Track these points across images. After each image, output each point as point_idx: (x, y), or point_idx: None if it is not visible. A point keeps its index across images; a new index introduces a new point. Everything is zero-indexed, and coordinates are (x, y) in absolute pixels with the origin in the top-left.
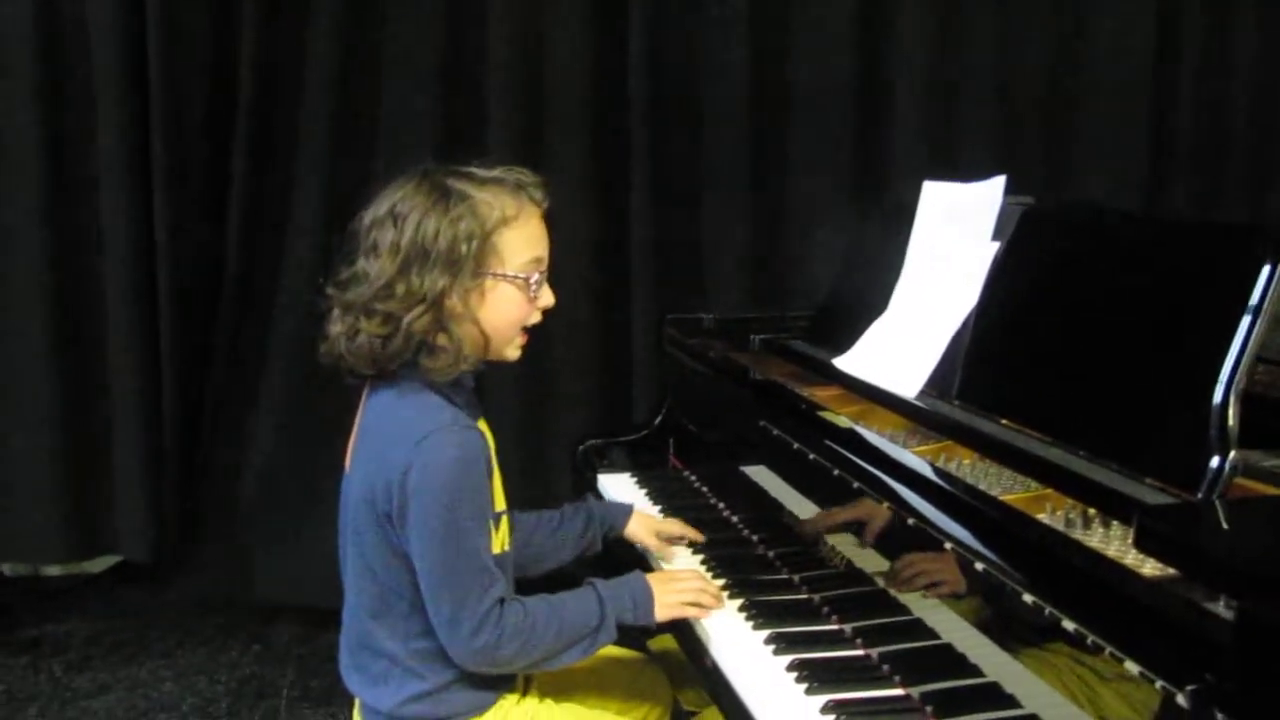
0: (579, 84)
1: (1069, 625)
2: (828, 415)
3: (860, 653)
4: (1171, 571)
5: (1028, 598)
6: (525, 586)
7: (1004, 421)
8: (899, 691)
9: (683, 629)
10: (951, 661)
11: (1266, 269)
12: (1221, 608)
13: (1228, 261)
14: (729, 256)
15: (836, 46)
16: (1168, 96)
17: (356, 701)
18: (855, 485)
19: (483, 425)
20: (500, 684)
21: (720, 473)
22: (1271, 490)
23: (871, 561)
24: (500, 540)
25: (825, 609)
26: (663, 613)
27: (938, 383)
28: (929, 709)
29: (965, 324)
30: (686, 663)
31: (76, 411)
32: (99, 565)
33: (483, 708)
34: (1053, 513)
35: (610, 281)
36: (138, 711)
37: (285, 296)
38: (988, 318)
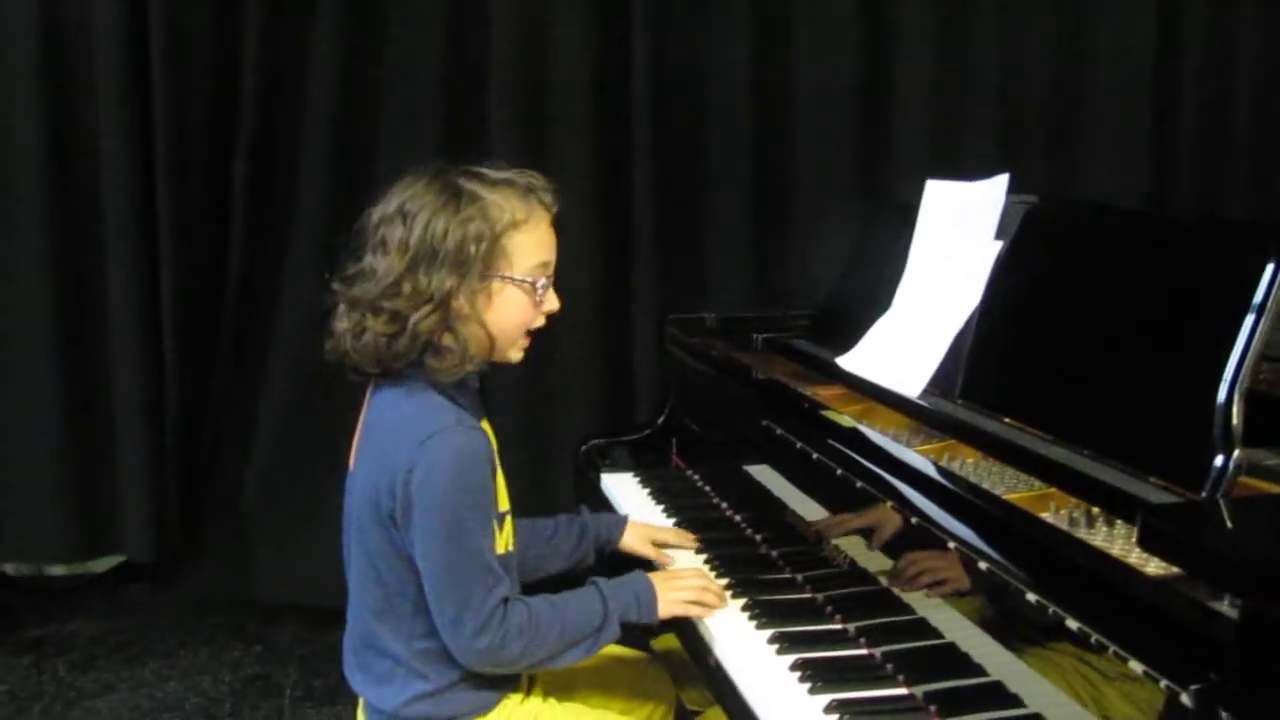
0: (581, 84)
1: (1073, 624)
2: (830, 414)
3: (864, 652)
4: (1175, 570)
5: (1031, 597)
6: (525, 588)
7: (1007, 420)
8: (902, 691)
9: (686, 629)
10: (955, 661)
11: (1270, 267)
12: (1226, 607)
13: (1231, 260)
14: (731, 256)
15: (838, 46)
16: (1170, 95)
17: (360, 701)
18: (858, 485)
19: (485, 426)
20: (504, 684)
21: (723, 472)
22: (1276, 489)
23: (875, 561)
24: (504, 540)
25: (829, 608)
26: (666, 610)
27: (941, 382)
28: (932, 708)
29: (968, 323)
30: (690, 662)
31: (79, 412)
32: (102, 565)
33: (486, 708)
34: (1056, 512)
35: (612, 281)
36: (141, 711)
37: (288, 296)
38: (991, 317)
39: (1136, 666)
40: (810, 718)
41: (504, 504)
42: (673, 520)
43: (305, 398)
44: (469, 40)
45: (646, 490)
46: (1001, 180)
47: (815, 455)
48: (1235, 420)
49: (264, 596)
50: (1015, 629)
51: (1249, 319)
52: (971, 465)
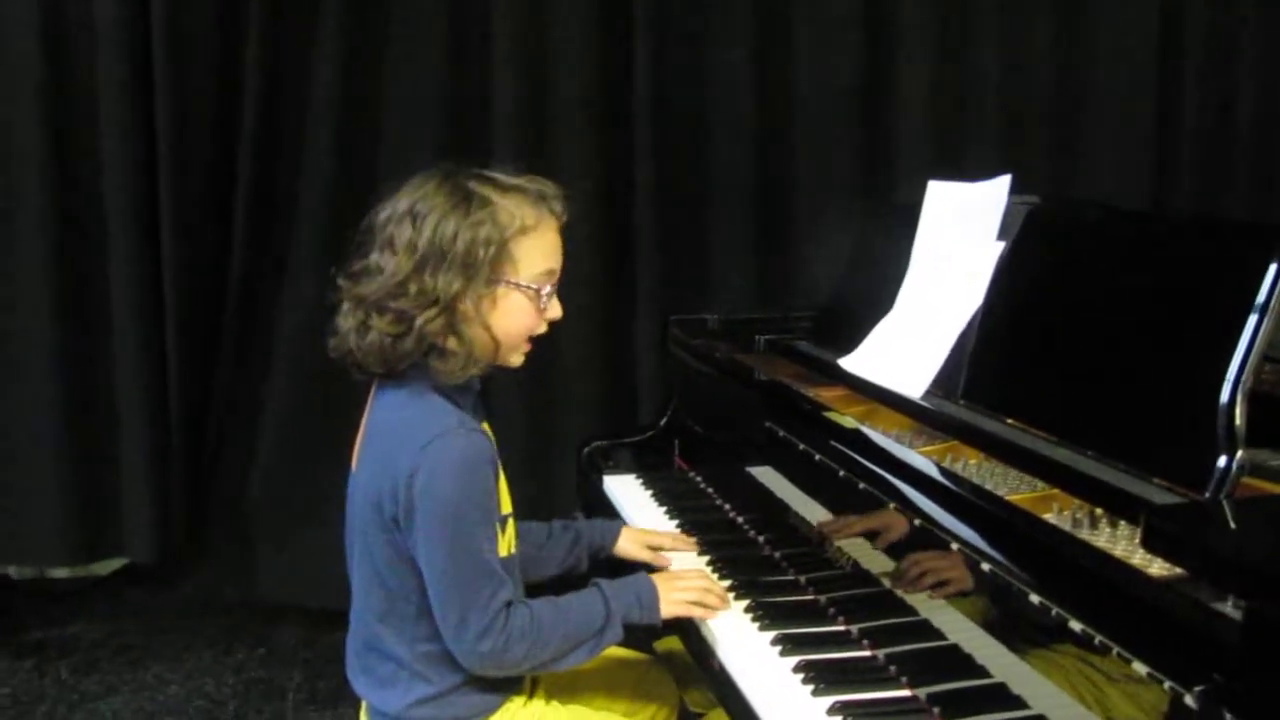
0: (582, 84)
1: (1076, 626)
2: (833, 416)
3: (867, 653)
4: (1179, 571)
5: (1035, 598)
6: (528, 588)
7: (1010, 421)
8: (906, 692)
9: (688, 630)
10: (958, 662)
11: (1274, 267)
12: (1229, 607)
13: (1234, 260)
14: (733, 257)
15: (839, 47)
16: (1171, 96)
17: (363, 704)
18: (861, 486)
19: (486, 428)
20: (507, 686)
21: (726, 474)
22: (1279, 489)
23: (878, 562)
24: (507, 543)
25: (832, 610)
26: (668, 610)
27: (943, 383)
28: (936, 710)
29: (971, 324)
30: (692, 664)
31: (81, 413)
32: (105, 568)
33: (490, 710)
34: (1059, 513)
35: (614, 282)
36: (144, 714)
37: (290, 296)
38: (993, 317)
39: (1140, 668)
40: (813, 719)
41: (506, 507)
42: (675, 522)
43: (308, 398)
44: (470, 40)
45: (649, 492)
46: (1003, 181)
47: (818, 457)
48: (1238, 421)
49: (267, 598)
50: (1019, 630)
51: (1252, 319)
52: (974, 466)
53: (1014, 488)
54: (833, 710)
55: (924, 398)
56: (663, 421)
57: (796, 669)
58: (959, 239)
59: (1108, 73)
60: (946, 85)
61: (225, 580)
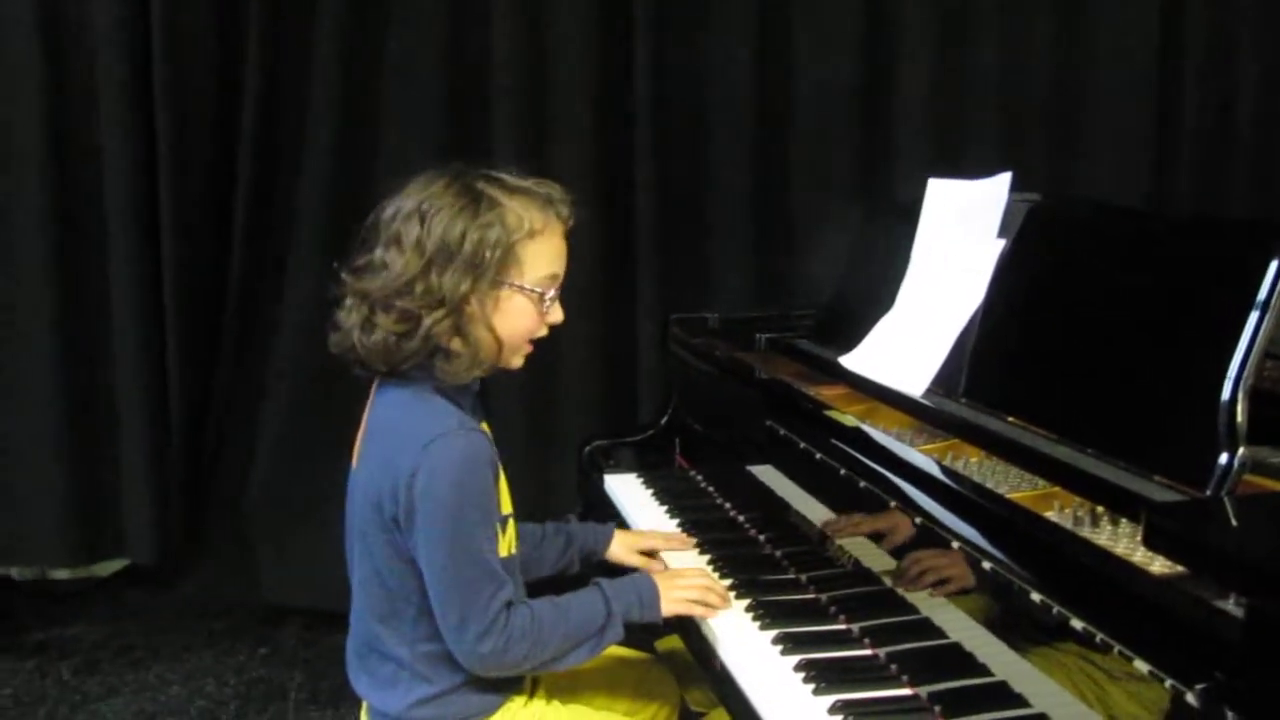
0: (583, 84)
1: (1077, 624)
2: (834, 414)
3: (868, 652)
4: (1180, 569)
5: (1036, 596)
6: (531, 586)
7: (1011, 419)
8: (907, 691)
9: (690, 629)
10: (960, 660)
11: (1275, 264)
12: (1231, 605)
13: (1235, 257)
14: (733, 256)
15: (839, 46)
16: (1171, 95)
17: (364, 704)
18: (862, 485)
19: (485, 428)
20: (508, 686)
21: (726, 472)
22: None
23: (879, 560)
24: (507, 543)
25: (833, 608)
26: (669, 609)
27: (944, 381)
28: (937, 708)
29: (971, 322)
30: (693, 663)
31: (82, 414)
32: (106, 569)
33: (490, 710)
34: (1060, 511)
35: (615, 281)
36: (145, 715)
37: (290, 297)
38: (994, 315)
39: (1142, 666)
40: (814, 719)
41: (506, 507)
42: (676, 521)
43: (308, 398)
44: (470, 40)
45: (650, 491)
46: (1004, 179)
47: (819, 455)
48: (1239, 418)
49: (268, 598)
50: (1020, 628)
51: (1252, 317)
52: (975, 464)
53: (1015, 486)
54: (834, 709)
55: (925, 396)
56: (663, 420)
57: (797, 668)
58: (959, 237)
59: (1108, 71)
60: (946, 84)
61: (226, 581)
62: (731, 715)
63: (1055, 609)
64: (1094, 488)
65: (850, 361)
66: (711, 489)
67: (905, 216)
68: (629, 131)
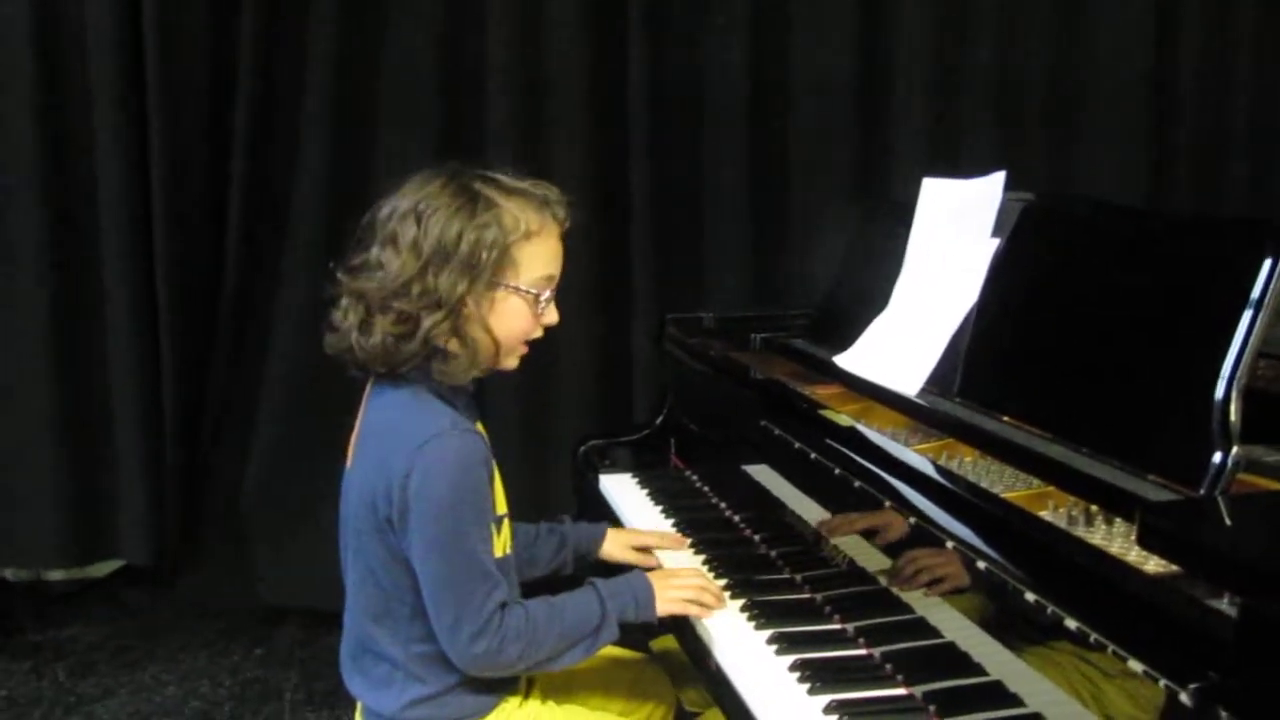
0: (577, 83)
1: (1071, 624)
2: (829, 414)
3: (863, 652)
4: (1174, 568)
5: (1030, 596)
6: (525, 586)
7: (1005, 419)
8: (902, 691)
9: (684, 629)
10: (954, 660)
11: (1268, 263)
12: (1225, 604)
13: (1229, 256)
14: (729, 255)
15: (836, 45)
16: (1168, 94)
17: (358, 705)
18: (857, 484)
19: (480, 428)
20: (502, 687)
21: (722, 472)
22: (1275, 485)
23: (874, 560)
24: (502, 543)
25: (827, 608)
26: (664, 609)
27: (939, 380)
28: (932, 708)
29: (966, 321)
30: (689, 663)
31: (77, 415)
32: (101, 570)
33: (485, 710)
34: (1055, 510)
35: (610, 281)
36: (141, 716)
37: (285, 297)
38: (988, 314)
39: (1136, 666)
40: (809, 718)
41: (501, 507)
42: (671, 521)
43: (303, 398)
44: (465, 41)
45: (645, 491)
46: (998, 177)
47: (814, 455)
48: (1233, 417)
49: (263, 599)
50: (1015, 628)
51: (1246, 315)
52: (970, 464)
53: (1010, 485)
54: (829, 709)
55: (919, 395)
56: (658, 420)
57: (792, 668)
58: (954, 236)
59: (1104, 70)
60: (943, 84)
61: (221, 581)
62: (726, 716)
63: (1050, 609)
64: (1088, 487)
65: (845, 361)
66: (707, 489)
67: (900, 216)
68: (625, 131)
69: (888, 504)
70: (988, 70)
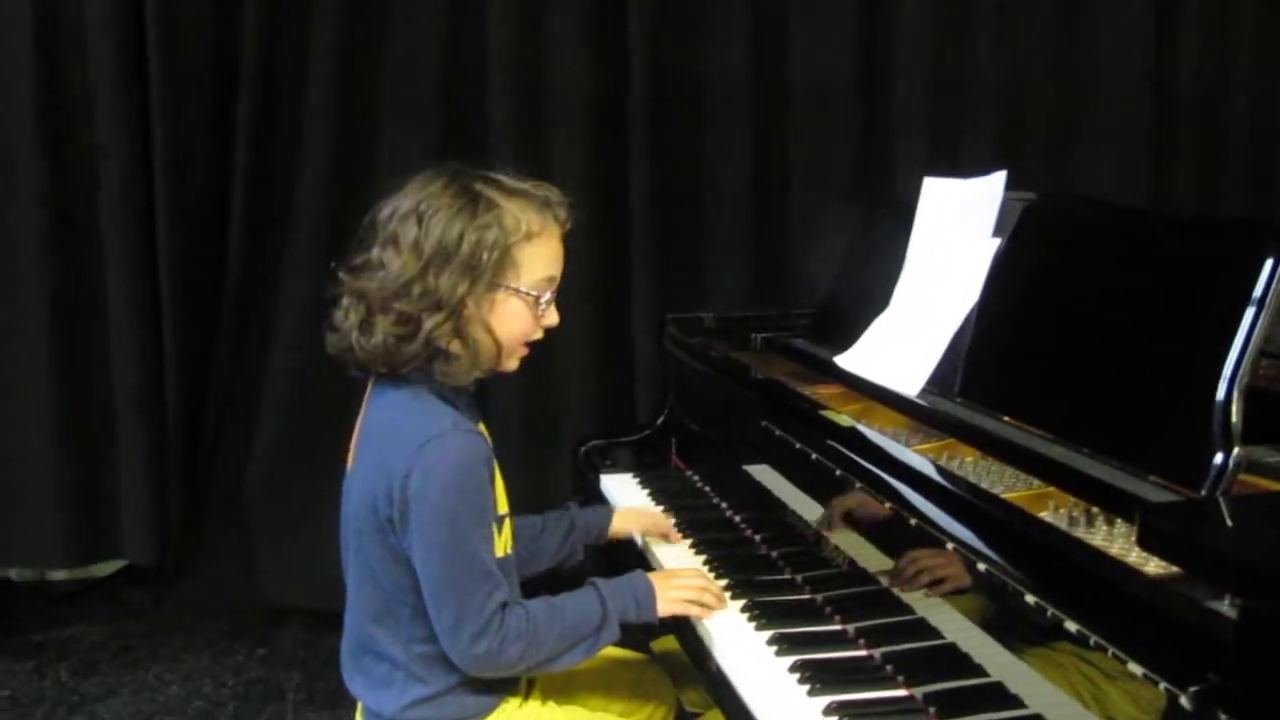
0: (579, 83)
1: (1071, 626)
2: (829, 414)
3: (863, 653)
4: (1175, 570)
5: (1030, 598)
6: (527, 581)
7: (1006, 419)
8: (902, 692)
9: (685, 630)
10: (955, 661)
11: (1269, 263)
12: (1226, 606)
13: (1230, 256)
14: (729, 255)
15: (837, 45)
16: (1168, 93)
17: (359, 705)
18: (858, 485)
19: (482, 428)
20: (503, 687)
21: (723, 472)
22: (1276, 486)
23: (874, 560)
24: (503, 543)
25: (828, 609)
26: (665, 609)
27: (939, 380)
28: (932, 709)
29: (966, 321)
30: (689, 664)
31: (79, 414)
32: (104, 569)
33: (486, 711)
34: (1055, 511)
35: (611, 281)
36: (143, 716)
37: (288, 294)
38: (989, 314)
39: (1136, 668)
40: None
41: (503, 507)
42: (672, 521)
43: (306, 398)
44: (467, 39)
45: (646, 491)
46: (999, 177)
47: (814, 455)
48: (1235, 417)
49: (266, 600)
50: (1016, 629)
51: (1248, 315)
52: (970, 464)
53: (1010, 486)
54: (829, 710)
55: (920, 395)
56: (659, 420)
57: (793, 669)
58: (955, 235)
59: (1105, 70)
60: (943, 84)
61: (224, 581)
62: (726, 716)
63: (1050, 611)
64: (1089, 488)
65: (846, 361)
66: (708, 489)
67: (901, 215)
68: (625, 131)
69: (888, 505)
70: (988, 70)
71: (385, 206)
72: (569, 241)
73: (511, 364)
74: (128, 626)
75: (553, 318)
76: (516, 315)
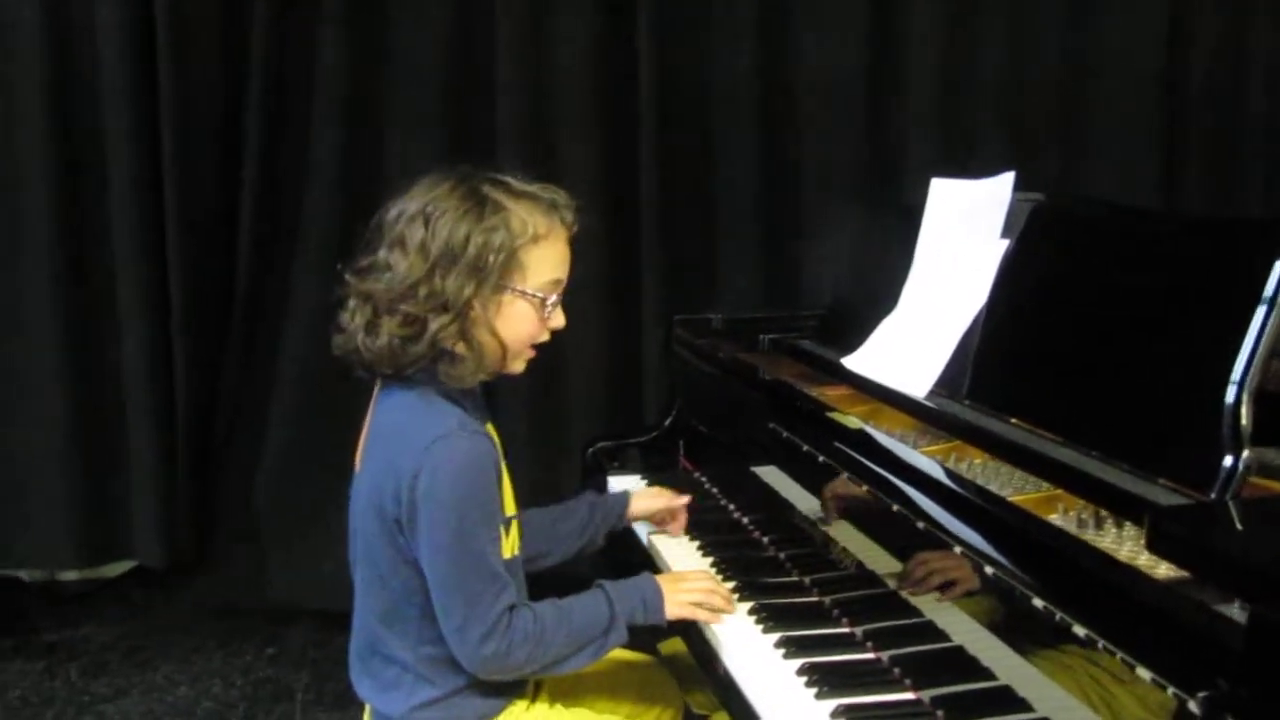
0: (587, 84)
1: (1080, 630)
2: (837, 416)
3: (871, 656)
4: (1184, 574)
5: (1038, 602)
6: (535, 584)
7: (1014, 421)
8: (910, 695)
9: (692, 633)
10: (963, 664)
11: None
12: (1235, 610)
13: (1240, 257)
14: (737, 257)
15: (845, 45)
16: (1180, 93)
17: (367, 707)
18: (865, 487)
19: (490, 429)
20: (510, 690)
21: (730, 474)
22: None
23: (882, 563)
24: (511, 545)
25: (835, 611)
26: (673, 611)
27: (947, 382)
28: (940, 713)
29: (975, 322)
30: (696, 666)
31: (90, 417)
32: (114, 570)
33: (493, 713)
34: (1064, 514)
35: (619, 283)
36: (153, 716)
37: (297, 298)
38: (997, 316)
39: (1144, 673)
40: None
41: (510, 508)
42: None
43: (314, 401)
44: (475, 41)
45: None
46: (1007, 178)
47: (822, 457)
48: (1245, 420)
49: (276, 600)
50: (1024, 632)
51: (1258, 316)
52: (979, 467)
53: (1018, 488)
54: (836, 713)
55: (928, 397)
56: (667, 422)
57: (800, 672)
58: (963, 237)
59: (1116, 70)
60: (952, 84)
61: (234, 582)
62: (733, 719)
63: (1058, 614)
64: (1098, 491)
65: (853, 362)
66: (716, 490)
67: (909, 217)
68: (633, 132)
69: (895, 507)
70: (997, 70)
71: (392, 208)
72: (577, 244)
73: (517, 366)
74: (137, 627)
75: (559, 320)
76: (522, 318)
